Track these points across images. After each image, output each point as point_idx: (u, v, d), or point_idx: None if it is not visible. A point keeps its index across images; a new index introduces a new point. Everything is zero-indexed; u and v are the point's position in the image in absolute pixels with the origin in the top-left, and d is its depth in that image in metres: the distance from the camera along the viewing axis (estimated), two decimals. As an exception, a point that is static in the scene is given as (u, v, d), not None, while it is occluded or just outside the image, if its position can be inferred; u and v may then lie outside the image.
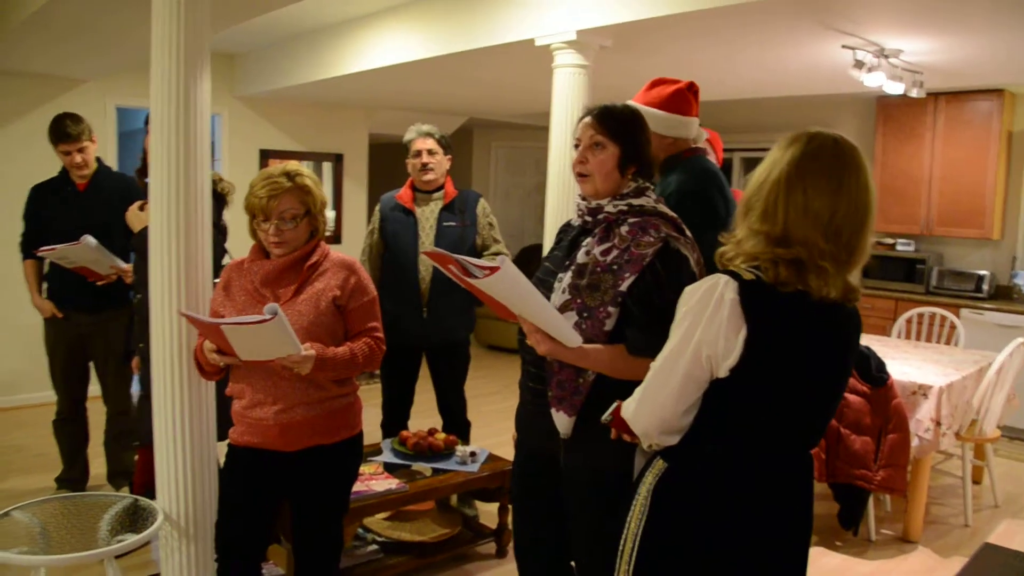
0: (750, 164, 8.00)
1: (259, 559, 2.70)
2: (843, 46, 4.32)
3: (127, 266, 3.72)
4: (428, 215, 3.98)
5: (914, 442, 3.95)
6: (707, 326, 1.69)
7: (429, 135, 3.98)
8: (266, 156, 7.15)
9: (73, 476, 4.14)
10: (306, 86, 6.14)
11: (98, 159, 4.06)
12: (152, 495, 3.06)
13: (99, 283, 3.82)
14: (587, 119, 2.21)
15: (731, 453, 1.77)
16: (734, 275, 1.70)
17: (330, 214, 7.86)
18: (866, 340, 4.46)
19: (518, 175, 9.94)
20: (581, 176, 2.20)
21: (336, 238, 7.88)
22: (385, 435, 4.18)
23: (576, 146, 2.22)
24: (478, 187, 9.72)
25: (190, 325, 2.75)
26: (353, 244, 8.00)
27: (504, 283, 1.87)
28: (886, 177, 6.86)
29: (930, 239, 6.92)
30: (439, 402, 4.25)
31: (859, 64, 4.41)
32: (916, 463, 4.08)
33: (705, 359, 1.71)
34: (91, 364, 4.13)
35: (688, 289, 1.77)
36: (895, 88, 4.75)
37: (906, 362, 4.50)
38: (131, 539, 2.76)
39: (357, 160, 7.95)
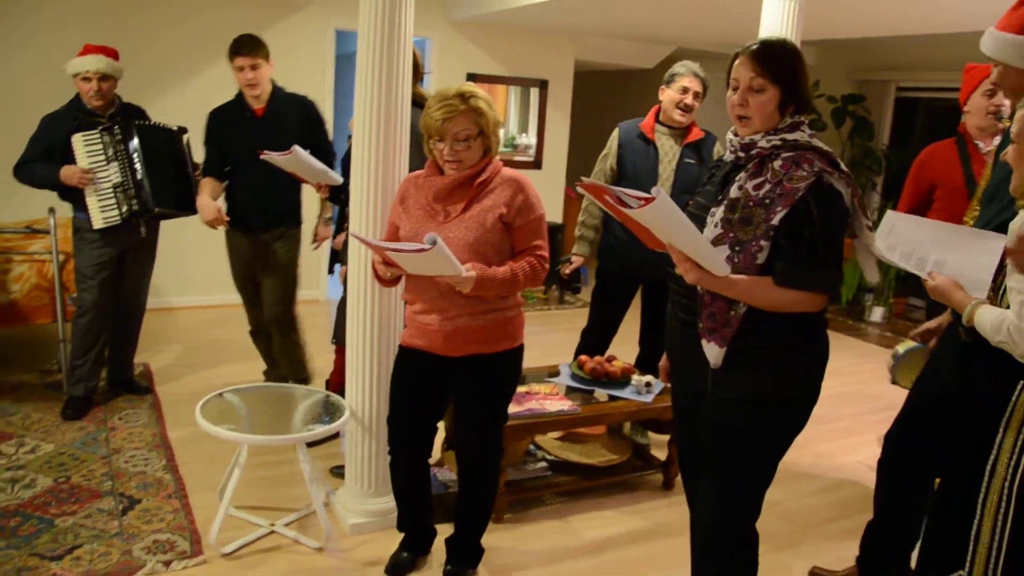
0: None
1: (426, 452, 2.89)
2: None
3: (334, 178, 3.80)
4: (669, 149, 3.94)
5: None
6: None
7: (700, 78, 3.91)
8: (473, 79, 7.30)
9: (275, 373, 4.52)
10: (515, 11, 6.16)
11: (272, 81, 4.13)
12: (344, 394, 3.32)
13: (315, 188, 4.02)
14: (743, 58, 2.13)
15: None
16: None
17: (532, 140, 7.97)
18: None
19: (717, 107, 9.56)
20: (740, 119, 2.15)
21: (537, 164, 7.97)
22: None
23: (734, 88, 2.15)
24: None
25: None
26: (553, 170, 8.07)
27: (658, 213, 1.86)
28: None
29: None
30: (644, 333, 4.26)
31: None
32: None
33: None
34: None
35: None
36: None
37: None
38: (319, 429, 3.02)
39: (562, 87, 7.95)
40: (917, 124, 8.40)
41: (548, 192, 7.90)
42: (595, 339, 4.24)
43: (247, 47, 3.93)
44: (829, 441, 4.57)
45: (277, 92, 4.13)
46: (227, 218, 4.06)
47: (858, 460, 4.37)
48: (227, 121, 4.10)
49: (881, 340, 7.08)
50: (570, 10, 6.04)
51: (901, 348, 2.77)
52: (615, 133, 4.08)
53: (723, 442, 2.24)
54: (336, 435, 3.93)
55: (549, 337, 6.35)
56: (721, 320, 2.12)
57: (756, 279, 2.06)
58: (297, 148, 3.54)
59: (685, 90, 3.87)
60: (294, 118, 4.09)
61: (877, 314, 7.67)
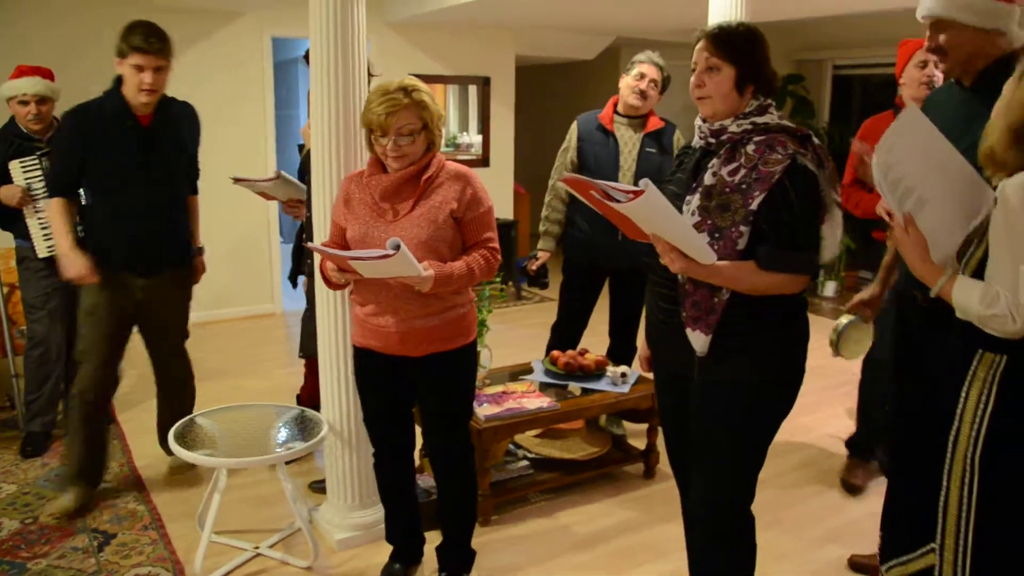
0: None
1: (408, 448, 2.86)
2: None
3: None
4: (629, 139, 3.94)
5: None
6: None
7: (659, 67, 3.93)
8: (415, 81, 7.21)
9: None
10: (452, 8, 6.11)
11: None
12: (317, 407, 3.24)
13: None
14: (701, 42, 2.17)
15: None
16: None
17: (477, 138, 7.91)
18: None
19: (668, 94, 9.64)
20: (701, 99, 2.17)
21: (484, 161, 7.92)
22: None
23: (693, 70, 2.18)
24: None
25: None
26: (501, 167, 8.03)
27: (648, 206, 1.86)
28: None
29: None
30: (614, 325, 4.26)
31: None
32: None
33: None
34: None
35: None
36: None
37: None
38: (299, 447, 2.95)
39: (504, 83, 7.91)
40: (854, 100, 8.58)
41: (498, 189, 7.85)
42: (565, 333, 4.22)
43: (155, 44, 3.15)
44: (800, 416, 4.62)
45: (164, 98, 3.36)
46: (96, 279, 3.27)
47: (829, 433, 4.43)
48: (102, 130, 3.24)
49: (835, 314, 7.20)
50: (510, 4, 6.01)
51: (843, 320, 2.82)
52: (573, 126, 4.06)
53: (713, 428, 2.24)
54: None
55: (512, 334, 6.32)
56: (705, 308, 2.13)
57: (739, 264, 2.07)
58: (283, 173, 3.40)
59: (642, 76, 3.88)
60: (186, 129, 3.49)
61: (830, 288, 7.80)
